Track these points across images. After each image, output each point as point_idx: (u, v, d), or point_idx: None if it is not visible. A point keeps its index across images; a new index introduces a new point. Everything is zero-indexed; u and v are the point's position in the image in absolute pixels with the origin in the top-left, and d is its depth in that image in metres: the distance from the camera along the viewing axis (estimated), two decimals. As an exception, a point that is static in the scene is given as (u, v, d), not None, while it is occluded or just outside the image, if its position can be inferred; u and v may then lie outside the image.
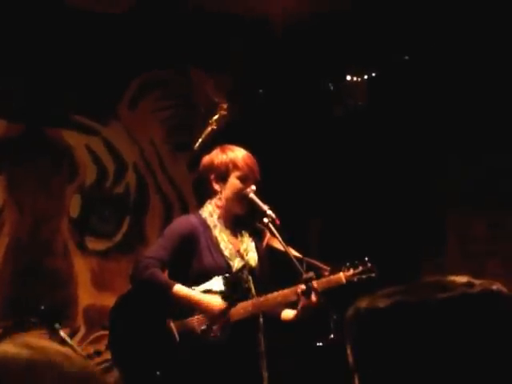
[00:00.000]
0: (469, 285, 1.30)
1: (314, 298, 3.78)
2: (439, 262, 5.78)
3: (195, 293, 3.83)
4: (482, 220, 5.69)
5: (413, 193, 5.91)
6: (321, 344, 3.84)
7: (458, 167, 5.81)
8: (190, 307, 3.83)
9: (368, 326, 1.32)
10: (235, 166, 3.92)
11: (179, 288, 3.81)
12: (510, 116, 5.51)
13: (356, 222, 5.93)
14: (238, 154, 3.96)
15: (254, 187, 3.91)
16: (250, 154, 3.99)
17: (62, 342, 4.11)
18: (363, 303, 1.34)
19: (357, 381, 1.34)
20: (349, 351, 1.35)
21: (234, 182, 3.93)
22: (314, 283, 3.80)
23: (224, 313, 3.81)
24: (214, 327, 3.82)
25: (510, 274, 5.33)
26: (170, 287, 3.80)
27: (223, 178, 3.95)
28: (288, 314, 3.93)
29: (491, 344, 1.27)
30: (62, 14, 5.20)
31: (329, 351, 4.05)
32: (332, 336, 3.65)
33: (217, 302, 3.82)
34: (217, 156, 3.99)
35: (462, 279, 1.32)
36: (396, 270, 4.66)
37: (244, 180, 3.92)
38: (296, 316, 3.87)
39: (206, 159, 4.04)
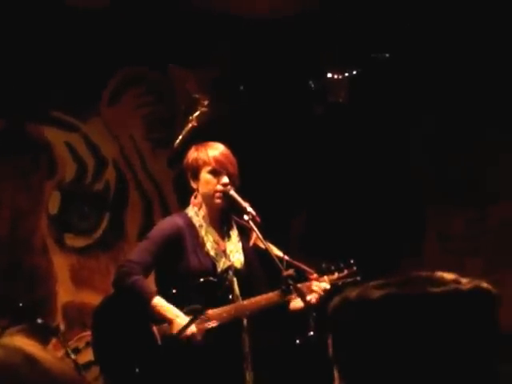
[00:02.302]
0: (457, 281, 1.29)
1: (295, 295, 3.80)
2: (418, 259, 5.80)
3: (169, 311, 3.78)
4: (461, 218, 5.72)
5: (392, 191, 5.93)
6: (300, 341, 3.84)
7: (438, 164, 5.83)
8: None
9: (358, 317, 1.29)
10: (204, 162, 3.93)
11: (157, 302, 3.78)
12: (490, 113, 5.53)
13: (336, 219, 5.94)
14: (208, 149, 3.97)
15: (226, 179, 3.91)
16: (222, 149, 3.98)
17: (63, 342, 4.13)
18: (353, 293, 1.31)
19: (336, 373, 1.32)
20: (330, 342, 1.32)
21: (205, 176, 3.94)
22: (327, 279, 3.85)
23: (187, 327, 3.77)
24: (196, 328, 3.81)
25: (489, 272, 5.35)
26: (149, 299, 3.78)
27: (196, 175, 3.97)
28: (298, 303, 3.91)
29: (480, 340, 1.27)
30: (42, 10, 5.17)
31: (310, 349, 4.06)
32: (311, 333, 3.66)
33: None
34: (190, 155, 4.02)
35: (449, 276, 1.31)
36: (375, 267, 4.67)
37: (214, 173, 3.92)
38: (304, 307, 3.84)
39: (184, 159, 4.06)
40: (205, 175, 3.93)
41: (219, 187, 3.90)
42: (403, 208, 5.94)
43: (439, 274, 1.31)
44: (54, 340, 4.65)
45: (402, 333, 1.26)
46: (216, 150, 3.96)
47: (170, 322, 3.78)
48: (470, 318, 1.27)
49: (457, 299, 1.27)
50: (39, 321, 4.21)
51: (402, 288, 1.29)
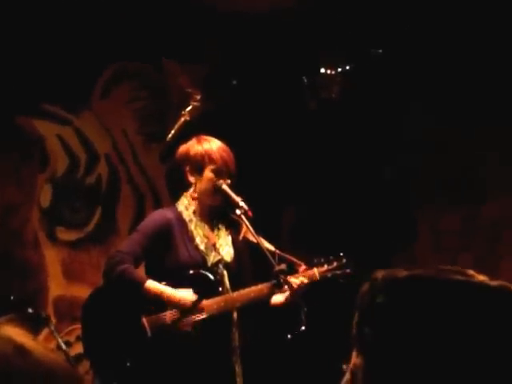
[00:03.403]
0: (486, 280, 1.32)
1: (286, 290, 3.80)
2: (410, 255, 5.81)
3: (167, 288, 3.80)
4: (454, 214, 5.72)
5: (384, 186, 5.94)
6: (291, 336, 3.85)
7: (432, 161, 5.84)
8: (162, 302, 3.80)
9: (383, 294, 1.32)
10: (210, 159, 3.88)
11: (151, 284, 3.79)
12: (484, 112, 5.54)
13: (328, 214, 5.94)
14: (213, 146, 3.92)
15: (228, 181, 3.90)
16: (225, 147, 3.95)
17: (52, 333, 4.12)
18: (381, 273, 1.35)
19: (355, 354, 1.34)
20: (355, 320, 1.34)
21: (208, 175, 3.90)
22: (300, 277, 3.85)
23: (196, 306, 3.79)
24: (185, 320, 3.81)
25: (482, 269, 5.35)
26: (142, 283, 3.78)
27: (198, 170, 3.91)
28: (278, 298, 3.92)
29: (498, 337, 1.28)
30: (34, 1, 5.15)
31: (301, 343, 4.06)
32: (303, 328, 3.66)
33: (189, 295, 3.80)
34: (193, 147, 3.95)
35: (480, 276, 1.34)
36: (367, 262, 4.67)
37: (218, 174, 3.89)
38: (285, 301, 3.86)
39: (181, 149, 4.00)
40: (208, 173, 3.89)
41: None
42: (395, 204, 5.94)
43: (471, 271, 1.35)
44: (45, 332, 4.63)
45: (424, 314, 1.28)
46: (221, 149, 3.92)
47: (169, 298, 3.77)
48: (492, 314, 1.28)
49: (481, 292, 1.30)
50: (30, 310, 4.19)
51: (428, 272, 1.33)
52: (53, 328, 4.18)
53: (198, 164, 3.91)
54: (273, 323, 4.22)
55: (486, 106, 5.51)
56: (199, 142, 3.95)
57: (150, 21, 5.55)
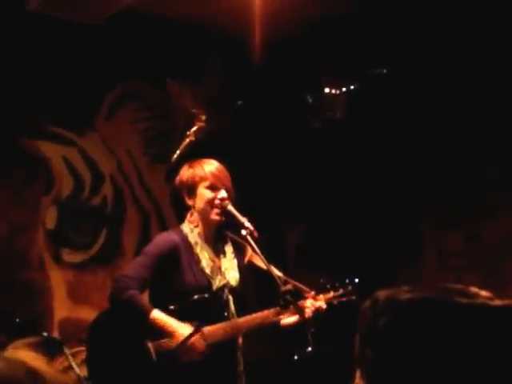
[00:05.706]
0: (491, 298, 1.32)
1: (293, 311, 3.80)
2: (416, 274, 5.80)
3: (170, 322, 3.77)
4: (459, 233, 5.72)
5: (390, 205, 5.93)
6: (298, 357, 3.84)
7: (437, 179, 5.84)
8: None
9: (384, 316, 1.31)
10: (201, 178, 3.93)
11: (156, 315, 3.77)
12: (489, 128, 5.54)
13: (334, 233, 5.94)
14: (203, 165, 3.97)
15: (224, 193, 3.91)
16: (217, 164, 4.00)
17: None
18: (383, 294, 1.34)
19: (358, 375, 1.33)
20: (357, 341, 1.34)
21: (202, 192, 3.94)
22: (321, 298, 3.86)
23: (190, 337, 3.76)
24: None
25: (486, 287, 5.33)
26: (148, 313, 3.76)
27: (192, 191, 3.96)
28: (290, 319, 3.92)
29: (500, 357, 1.28)
30: (39, 24, 5.18)
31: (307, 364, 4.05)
32: (310, 349, 3.64)
33: (186, 331, 3.77)
34: (184, 172, 4.02)
35: (485, 293, 1.33)
36: (372, 280, 4.65)
37: (212, 188, 3.92)
38: (297, 322, 3.86)
39: (176, 178, 4.06)
40: (202, 190, 3.93)
41: (217, 201, 3.90)
42: (402, 223, 5.94)
43: (475, 289, 1.34)
44: (58, 354, 4.63)
45: (424, 337, 1.28)
46: (212, 166, 3.97)
47: (171, 334, 3.76)
48: (494, 334, 1.28)
49: (483, 313, 1.29)
50: (44, 334, 4.19)
51: (430, 294, 1.32)
52: (66, 351, 4.17)
53: (190, 186, 3.96)
54: (280, 345, 4.20)
55: (486, 125, 5.52)
56: (190, 166, 4.02)
57: (154, 41, 5.57)
